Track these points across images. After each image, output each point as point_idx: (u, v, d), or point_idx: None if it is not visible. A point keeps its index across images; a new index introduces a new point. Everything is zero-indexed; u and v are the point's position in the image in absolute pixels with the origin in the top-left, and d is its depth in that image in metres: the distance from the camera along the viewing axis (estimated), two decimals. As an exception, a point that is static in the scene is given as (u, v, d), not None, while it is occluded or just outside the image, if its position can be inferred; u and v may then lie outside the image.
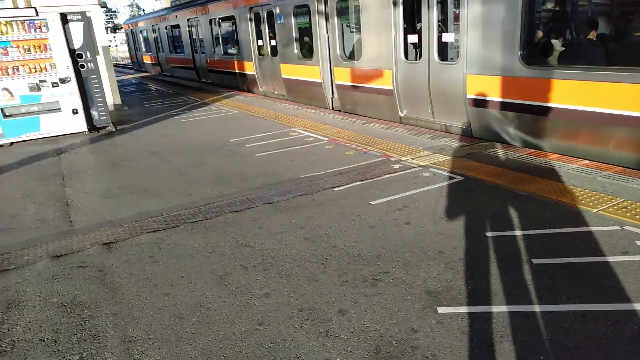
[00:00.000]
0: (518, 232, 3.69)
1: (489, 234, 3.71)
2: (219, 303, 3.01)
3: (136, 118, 10.31)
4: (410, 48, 8.08)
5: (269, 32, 12.17)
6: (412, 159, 5.84)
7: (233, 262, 3.58)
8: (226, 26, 15.32)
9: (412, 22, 8.01)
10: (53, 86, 8.42)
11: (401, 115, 8.31)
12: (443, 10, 7.92)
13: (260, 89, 13.40)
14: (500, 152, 5.86)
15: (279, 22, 11.35)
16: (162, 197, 5.13)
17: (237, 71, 14.46)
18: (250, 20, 12.82)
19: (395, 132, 7.32)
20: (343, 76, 9.57)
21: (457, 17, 7.51)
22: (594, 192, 4.34)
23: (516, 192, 4.50)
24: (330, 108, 10.41)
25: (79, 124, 8.76)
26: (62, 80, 8.46)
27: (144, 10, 52.17)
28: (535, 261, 3.25)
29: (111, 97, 11.68)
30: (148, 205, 4.91)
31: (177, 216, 4.55)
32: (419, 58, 7.68)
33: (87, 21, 8.62)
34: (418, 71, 7.65)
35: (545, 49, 6.36)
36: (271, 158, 6.37)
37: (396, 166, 5.59)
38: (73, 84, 8.53)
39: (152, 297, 3.14)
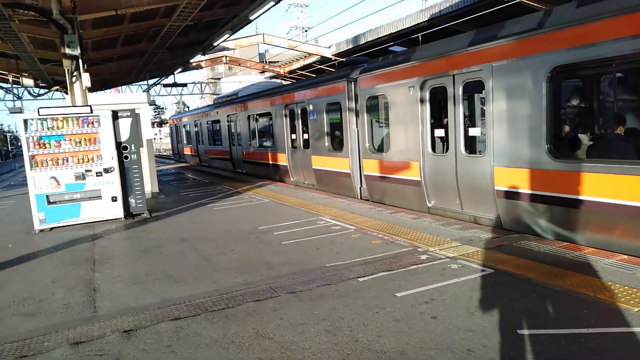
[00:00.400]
0: (553, 331, 3.45)
1: (521, 331, 3.48)
2: (232, 399, 2.87)
3: (171, 205, 10.69)
4: (438, 141, 8.29)
5: (302, 127, 12.86)
6: (440, 249, 5.71)
7: (251, 354, 3.46)
8: (262, 121, 16.29)
9: (438, 117, 8.31)
10: (97, 175, 8.95)
11: (429, 205, 8.32)
12: (469, 106, 8.21)
13: (291, 178, 13.84)
14: (532, 244, 5.66)
15: (311, 117, 12.05)
16: (186, 284, 5.14)
17: (270, 162, 15.12)
18: (285, 116, 13.65)
19: (423, 222, 7.25)
20: (371, 167, 9.82)
21: (483, 112, 7.77)
22: (634, 289, 4.07)
23: (550, 287, 4.27)
24: (359, 197, 10.57)
25: (116, 211, 9.13)
26: (106, 170, 9.00)
27: (188, 107, 56.26)
28: (573, 364, 3.00)
29: (149, 185, 12.24)
30: (172, 292, 4.91)
31: (199, 304, 4.51)
32: (446, 151, 7.86)
33: (134, 117, 9.36)
34: (445, 163, 7.82)
35: (573, 143, 6.39)
36: (297, 246, 6.37)
37: (423, 257, 5.46)
38: (115, 174, 9.05)
39: (164, 389, 3.03)
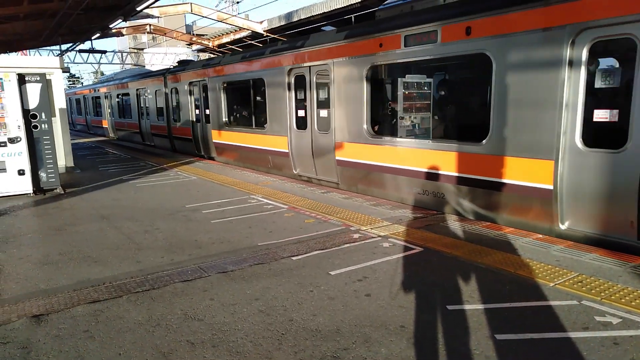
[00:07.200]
0: (480, 306, 3.61)
1: (451, 307, 3.60)
2: (160, 385, 2.68)
3: (88, 181, 9.90)
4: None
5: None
6: (371, 228, 5.78)
7: (179, 337, 3.27)
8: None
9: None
10: (1, 146, 8.02)
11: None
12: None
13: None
14: (457, 224, 5.91)
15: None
16: (106, 265, 4.76)
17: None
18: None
19: (354, 202, 7.32)
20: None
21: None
22: (549, 266, 4.37)
23: (474, 264, 4.48)
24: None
25: (24, 185, 8.27)
26: (12, 140, 8.09)
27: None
28: (498, 337, 3.14)
29: (64, 159, 11.24)
30: (90, 273, 4.53)
31: (121, 285, 4.20)
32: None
33: (45, 83, 8.45)
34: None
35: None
36: (228, 225, 6.16)
37: (356, 235, 5.50)
38: (23, 145, 8.16)
39: (82, 378, 2.77)
